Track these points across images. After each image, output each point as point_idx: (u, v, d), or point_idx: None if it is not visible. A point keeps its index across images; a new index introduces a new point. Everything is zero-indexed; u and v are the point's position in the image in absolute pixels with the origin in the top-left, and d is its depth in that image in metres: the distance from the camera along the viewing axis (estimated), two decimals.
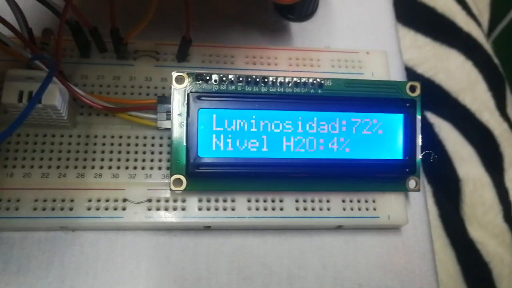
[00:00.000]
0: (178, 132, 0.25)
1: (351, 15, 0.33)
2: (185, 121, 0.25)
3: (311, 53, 0.29)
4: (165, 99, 0.26)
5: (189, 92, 0.25)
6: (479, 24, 0.53)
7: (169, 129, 0.26)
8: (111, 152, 0.26)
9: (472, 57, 0.50)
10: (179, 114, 0.25)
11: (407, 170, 0.27)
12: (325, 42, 0.31)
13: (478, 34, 0.51)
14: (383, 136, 0.27)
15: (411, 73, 0.47)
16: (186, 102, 0.25)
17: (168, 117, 0.26)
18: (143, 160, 0.26)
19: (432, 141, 0.46)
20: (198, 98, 0.25)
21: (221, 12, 0.31)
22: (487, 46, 0.51)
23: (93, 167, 0.26)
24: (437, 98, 0.48)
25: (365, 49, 0.30)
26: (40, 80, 0.23)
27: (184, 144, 0.25)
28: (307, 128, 0.26)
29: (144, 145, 0.26)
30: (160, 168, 0.26)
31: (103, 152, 0.26)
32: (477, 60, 0.50)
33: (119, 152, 0.26)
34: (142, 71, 0.28)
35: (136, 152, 0.26)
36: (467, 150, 0.47)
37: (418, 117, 0.27)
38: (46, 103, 0.23)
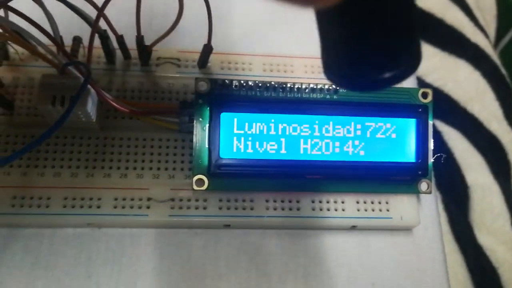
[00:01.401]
0: (200, 134, 0.26)
1: None
2: (207, 125, 0.26)
3: None
4: (187, 103, 0.27)
5: (211, 97, 0.26)
6: (486, 35, 0.54)
7: (190, 133, 0.27)
8: (136, 153, 0.27)
9: (480, 67, 0.51)
10: (201, 118, 0.27)
11: (420, 172, 0.28)
12: None
13: (485, 45, 0.53)
14: (396, 140, 0.28)
15: (420, 83, 0.48)
16: (208, 106, 0.26)
17: (190, 121, 0.27)
18: (166, 162, 0.27)
19: (441, 149, 0.47)
20: (220, 102, 0.26)
21: (240, 21, 0.32)
22: (495, 56, 0.52)
23: (118, 168, 0.27)
24: (446, 107, 0.49)
25: None
26: (72, 85, 0.24)
27: (206, 146, 0.26)
28: (323, 132, 0.27)
29: (167, 147, 0.28)
30: (182, 169, 0.28)
31: (128, 153, 0.27)
32: (485, 70, 0.51)
33: (143, 154, 0.27)
34: (165, 77, 0.29)
35: (159, 154, 0.28)
36: (475, 158, 0.48)
37: (430, 122, 0.28)
38: (78, 107, 0.24)
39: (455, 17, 0.52)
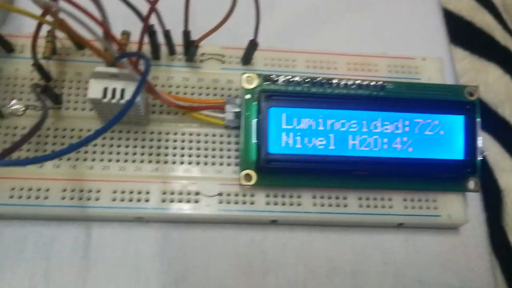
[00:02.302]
0: (248, 129, 0.26)
1: (403, 23, 0.34)
2: (254, 120, 0.26)
3: (369, 59, 0.31)
4: (233, 99, 0.27)
5: (260, 91, 0.26)
6: None
7: (236, 128, 0.27)
8: (182, 148, 0.27)
9: (510, 70, 0.51)
10: (248, 113, 0.26)
11: (469, 170, 0.27)
12: (379, 48, 0.32)
13: None
14: (444, 137, 0.27)
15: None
16: (257, 101, 0.26)
17: (236, 116, 0.27)
18: (213, 156, 0.27)
19: None
20: (269, 97, 0.26)
21: (283, 18, 0.32)
22: None
23: (166, 162, 0.27)
24: None
25: (420, 56, 0.31)
26: (123, 78, 0.24)
27: (254, 141, 0.26)
28: (372, 128, 0.27)
29: (213, 142, 0.28)
30: (229, 164, 0.27)
31: (175, 148, 0.27)
32: None
33: (190, 149, 0.27)
34: (209, 73, 0.29)
35: (206, 149, 0.27)
36: (507, 161, 0.47)
37: (478, 119, 0.28)
38: (128, 100, 0.24)
39: (484, 20, 0.52)
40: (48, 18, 0.23)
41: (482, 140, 0.47)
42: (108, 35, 0.24)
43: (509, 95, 0.50)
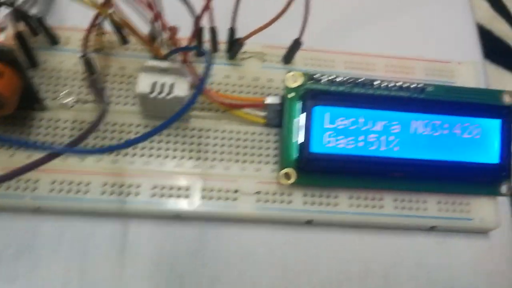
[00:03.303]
0: (289, 128, 0.27)
1: (437, 29, 0.35)
2: (296, 118, 0.26)
3: (406, 61, 0.31)
4: (275, 97, 0.27)
5: (305, 90, 0.26)
6: None
7: (276, 126, 0.27)
8: (222, 145, 0.27)
9: None
10: (290, 112, 0.27)
11: (504, 174, 0.28)
12: (414, 51, 0.32)
13: None
14: (480, 140, 0.28)
15: None
16: (301, 100, 0.26)
17: (277, 115, 0.27)
18: (252, 155, 0.28)
19: None
20: (314, 96, 0.26)
21: (322, 18, 0.33)
22: None
23: (206, 159, 0.27)
24: None
25: (456, 60, 0.32)
26: (174, 72, 0.24)
27: (294, 140, 0.26)
28: (411, 129, 0.27)
29: (253, 140, 0.28)
30: (267, 163, 0.28)
31: (215, 145, 0.27)
32: None
33: (230, 146, 0.28)
34: (251, 72, 0.29)
35: (245, 147, 0.28)
36: None
37: None
38: (177, 95, 0.24)
39: (502, 30, 0.52)
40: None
41: None
42: (163, 27, 0.24)
43: None
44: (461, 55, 0.33)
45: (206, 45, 0.29)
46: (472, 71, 0.31)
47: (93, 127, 0.21)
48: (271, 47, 0.30)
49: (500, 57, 0.52)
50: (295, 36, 0.28)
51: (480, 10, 0.53)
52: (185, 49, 0.24)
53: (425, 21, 0.35)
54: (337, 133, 0.26)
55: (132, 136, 0.27)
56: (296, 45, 0.28)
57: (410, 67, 0.31)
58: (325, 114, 0.26)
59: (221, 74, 0.29)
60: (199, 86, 0.20)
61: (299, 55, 0.30)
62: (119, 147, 0.18)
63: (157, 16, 0.23)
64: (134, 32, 0.23)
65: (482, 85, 0.33)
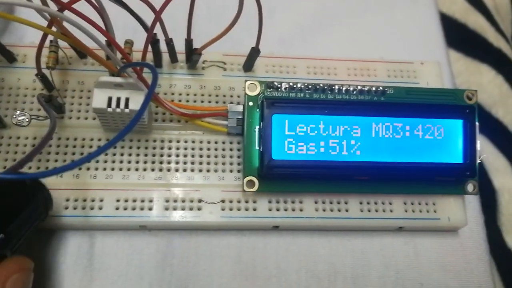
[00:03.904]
0: (250, 136, 0.27)
1: (401, 28, 0.35)
2: (257, 126, 0.27)
3: (368, 64, 0.31)
4: (236, 106, 0.28)
5: (263, 98, 0.26)
6: (507, 40, 0.54)
7: (239, 135, 0.28)
8: (185, 156, 0.28)
9: (502, 71, 0.51)
10: (251, 120, 0.27)
11: (468, 173, 0.28)
12: (378, 53, 0.32)
13: (507, 49, 0.53)
14: (443, 141, 0.28)
15: None
16: (259, 108, 0.26)
17: (239, 123, 0.27)
18: (216, 164, 0.28)
19: None
20: (272, 104, 0.26)
21: (283, 25, 0.33)
22: None
23: (169, 170, 0.27)
24: None
25: (419, 60, 0.32)
26: (128, 87, 0.24)
27: (257, 147, 0.27)
28: (372, 133, 0.27)
29: (216, 149, 0.28)
30: (231, 171, 0.28)
31: (177, 155, 0.28)
32: (508, 75, 0.51)
33: (193, 156, 0.28)
34: (211, 80, 0.29)
35: (208, 156, 0.28)
36: (501, 161, 0.48)
37: (477, 123, 0.28)
38: (133, 108, 0.24)
39: (477, 22, 0.52)
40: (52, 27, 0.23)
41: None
42: (112, 44, 0.24)
43: (502, 96, 0.51)
44: (426, 54, 0.33)
45: (166, 56, 0.29)
46: (435, 70, 0.31)
47: (36, 151, 0.20)
48: (232, 55, 0.30)
49: (476, 50, 0.52)
50: (266, 43, 0.28)
51: (454, 3, 0.53)
52: (131, 66, 0.24)
53: (388, 22, 0.35)
54: (298, 139, 0.26)
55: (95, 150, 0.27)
56: (254, 53, 0.28)
57: (372, 69, 0.31)
58: (284, 122, 0.26)
59: (182, 84, 0.29)
60: (145, 99, 0.20)
61: (260, 62, 0.30)
62: (63, 169, 0.18)
63: (111, 40, 0.23)
64: (86, 50, 0.23)
65: (446, 84, 0.33)
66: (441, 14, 0.49)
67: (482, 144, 0.49)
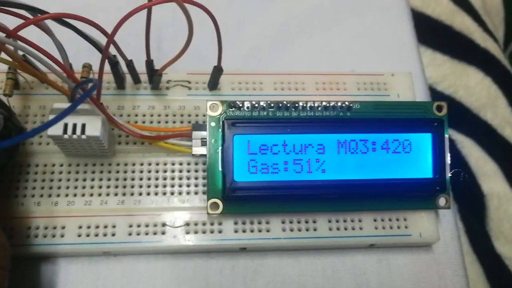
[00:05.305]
0: (214, 158, 0.26)
1: (373, 38, 0.34)
2: (220, 147, 0.26)
3: (337, 77, 0.30)
4: (200, 126, 0.27)
5: (223, 119, 0.26)
6: (495, 39, 0.53)
7: (204, 156, 0.27)
8: (149, 179, 0.27)
9: (491, 73, 0.50)
10: (214, 141, 0.26)
11: (437, 188, 0.27)
12: (349, 65, 0.32)
13: (495, 50, 0.52)
14: (412, 156, 0.27)
15: (431, 91, 0.47)
16: (221, 129, 0.26)
17: (203, 144, 0.27)
18: (180, 186, 0.27)
19: (455, 157, 0.47)
20: (233, 124, 0.26)
21: (248, 41, 0.32)
22: (505, 61, 0.51)
23: (132, 194, 0.27)
24: (458, 115, 0.48)
25: (389, 71, 0.31)
26: (84, 113, 0.24)
27: (220, 169, 0.26)
28: (338, 150, 0.27)
29: (180, 171, 0.28)
30: (196, 193, 0.27)
31: (141, 179, 0.27)
32: (496, 76, 0.50)
33: (156, 179, 0.27)
34: (176, 100, 0.29)
35: (172, 178, 0.27)
36: (490, 165, 0.47)
37: (446, 136, 0.28)
38: (90, 134, 0.24)
39: (463, 23, 0.52)
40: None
41: (464, 145, 0.48)
42: (64, 71, 0.24)
43: (490, 98, 0.50)
44: (398, 65, 0.32)
45: (129, 78, 0.28)
46: (406, 82, 0.31)
47: None
48: (196, 73, 0.29)
49: (462, 51, 0.51)
50: (225, 60, 0.27)
51: (439, 5, 0.52)
52: (78, 86, 0.23)
53: (359, 31, 0.34)
54: (261, 160, 0.26)
55: (56, 176, 0.27)
56: (216, 72, 0.28)
57: (342, 82, 0.30)
58: (246, 142, 0.26)
59: (145, 105, 0.28)
60: (63, 111, 0.19)
61: (225, 80, 0.29)
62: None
63: (58, 63, 0.23)
64: (37, 76, 0.23)
65: (419, 94, 0.32)
66: (426, 16, 0.49)
67: (470, 148, 0.48)
